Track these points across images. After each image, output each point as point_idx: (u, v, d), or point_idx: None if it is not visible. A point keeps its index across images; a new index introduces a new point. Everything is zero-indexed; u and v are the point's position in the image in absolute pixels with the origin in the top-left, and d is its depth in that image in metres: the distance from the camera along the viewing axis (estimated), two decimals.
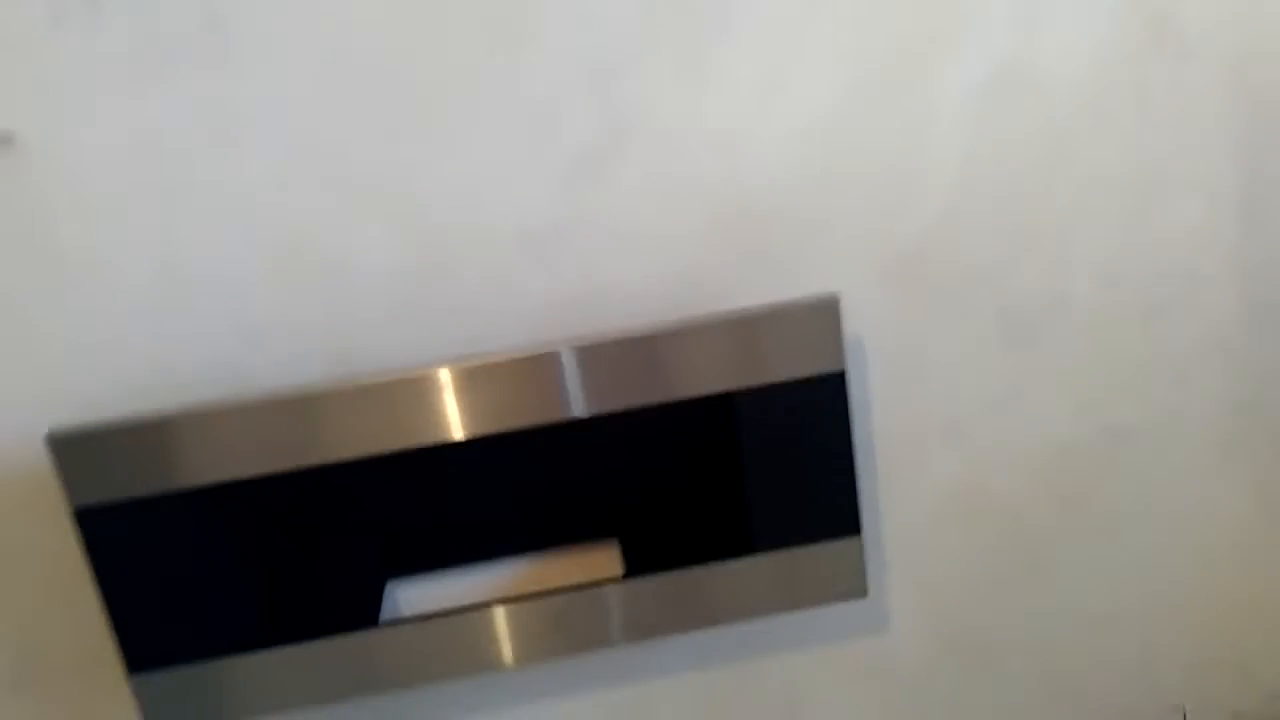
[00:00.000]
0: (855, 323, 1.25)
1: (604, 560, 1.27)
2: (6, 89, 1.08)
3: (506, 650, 1.22)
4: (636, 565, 1.22)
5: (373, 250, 1.17)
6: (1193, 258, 1.31)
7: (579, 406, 1.16)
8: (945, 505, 1.37)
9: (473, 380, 1.13)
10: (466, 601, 1.22)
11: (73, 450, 1.06)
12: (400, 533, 1.25)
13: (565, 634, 1.21)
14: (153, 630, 1.14)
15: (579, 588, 1.20)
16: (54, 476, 1.17)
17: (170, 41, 1.09)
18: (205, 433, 1.09)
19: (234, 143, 1.12)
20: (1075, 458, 1.37)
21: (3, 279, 1.13)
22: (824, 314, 1.13)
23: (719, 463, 1.20)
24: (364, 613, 1.21)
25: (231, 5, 1.09)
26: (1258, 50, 1.26)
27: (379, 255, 1.17)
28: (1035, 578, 1.42)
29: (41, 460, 1.17)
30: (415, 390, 1.14)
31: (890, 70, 1.20)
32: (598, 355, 1.15)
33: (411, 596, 1.24)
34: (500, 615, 1.21)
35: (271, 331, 1.18)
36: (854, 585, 1.23)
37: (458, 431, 1.15)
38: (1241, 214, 1.31)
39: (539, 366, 1.15)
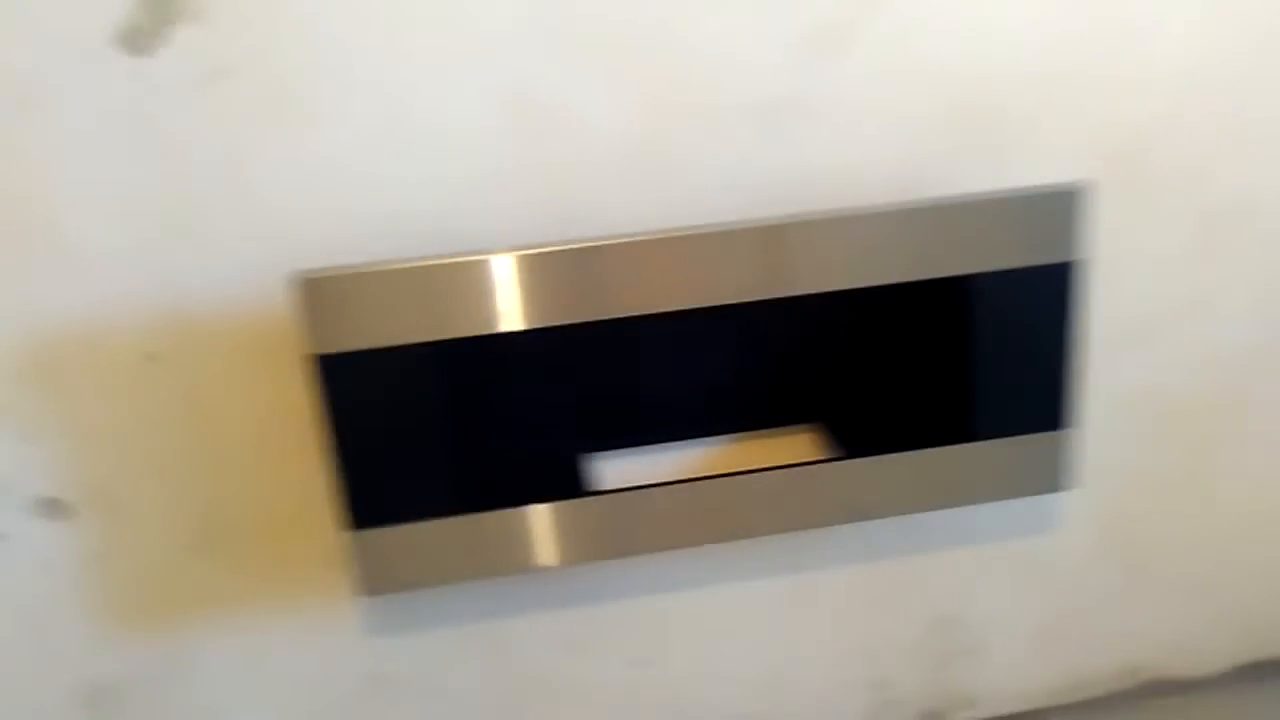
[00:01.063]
0: None
1: (808, 444, 1.27)
2: None
3: (718, 525, 1.22)
4: (850, 447, 1.22)
5: (601, 109, 1.15)
6: None
7: (797, 283, 1.14)
8: (1124, 406, 1.38)
9: (692, 249, 1.11)
10: (671, 478, 1.22)
11: (319, 295, 1.04)
12: (602, 406, 1.25)
13: (778, 512, 1.21)
14: (374, 487, 1.13)
15: (793, 465, 1.20)
16: (266, 328, 1.15)
17: None
18: (447, 285, 1.07)
19: None
20: (1256, 364, 1.39)
21: (228, 127, 1.09)
22: (1067, 202, 1.12)
23: (940, 348, 1.20)
24: (567, 484, 1.20)
25: None
26: None
27: (607, 114, 1.15)
28: (1204, 483, 1.44)
29: (253, 312, 1.15)
30: (632, 255, 1.12)
31: None
32: (823, 231, 1.13)
33: (612, 472, 1.23)
34: (711, 490, 1.20)
35: (494, 186, 1.15)
36: (1061, 478, 1.24)
37: (673, 302, 1.14)
38: None
39: (762, 239, 1.13)
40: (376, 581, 1.16)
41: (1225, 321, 1.36)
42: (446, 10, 1.09)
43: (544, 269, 1.09)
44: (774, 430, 1.28)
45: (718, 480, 1.20)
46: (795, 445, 1.27)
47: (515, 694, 1.39)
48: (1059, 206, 1.12)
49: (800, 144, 1.19)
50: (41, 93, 1.06)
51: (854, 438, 1.23)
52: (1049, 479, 1.24)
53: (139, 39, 1.05)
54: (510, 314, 1.09)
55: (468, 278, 1.06)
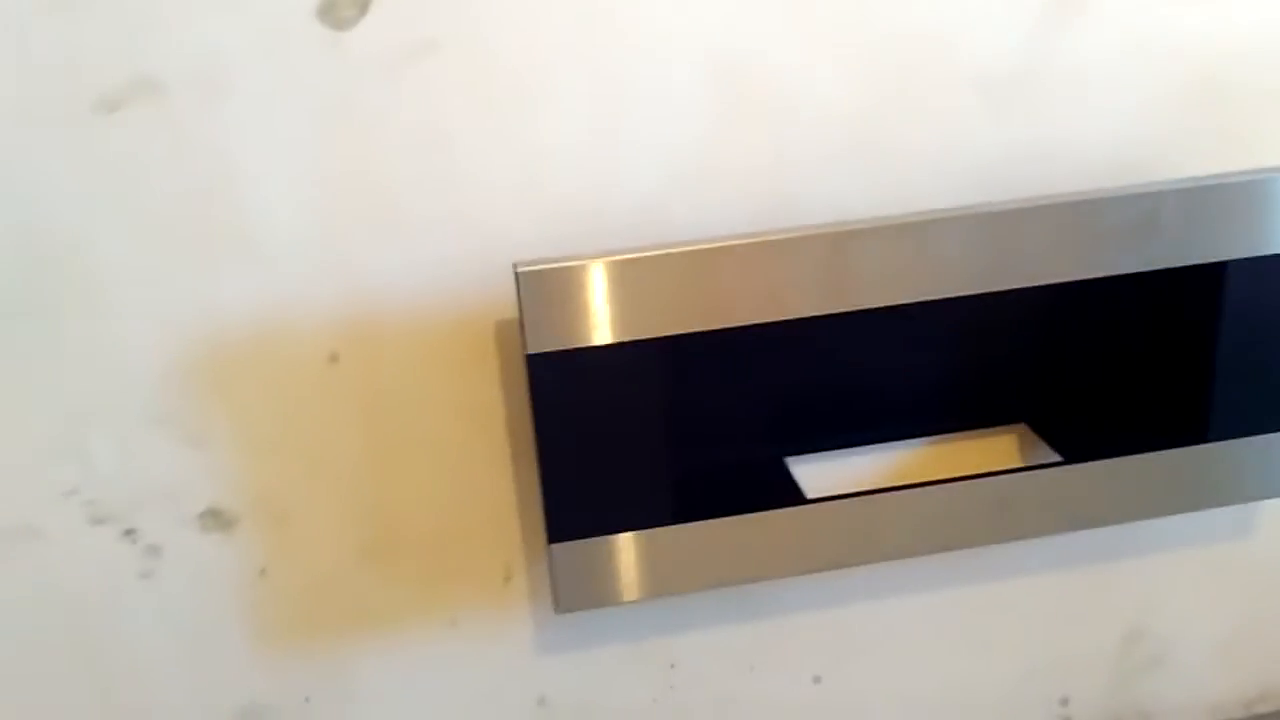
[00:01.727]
0: None
1: (1016, 445, 1.19)
2: None
3: (934, 535, 1.14)
4: (1066, 450, 1.14)
5: (819, 87, 1.07)
6: None
7: (1024, 275, 1.06)
8: None
9: (912, 238, 1.03)
10: (875, 483, 1.14)
11: (538, 288, 0.96)
12: (800, 406, 1.17)
13: (1000, 518, 1.13)
14: (579, 496, 1.04)
15: (1012, 471, 1.12)
16: (458, 325, 1.07)
17: None
18: (670, 277, 0.99)
19: None
20: None
21: (431, 107, 1.01)
22: None
23: (1175, 341, 1.12)
24: (776, 492, 1.12)
25: None
26: None
27: (826, 93, 1.07)
28: None
29: (445, 308, 1.07)
30: (854, 244, 1.04)
31: None
32: (1049, 217, 1.05)
33: (814, 476, 1.16)
34: (924, 497, 1.12)
35: (708, 170, 1.07)
36: None
37: (894, 296, 1.05)
38: None
39: (986, 226, 1.05)
40: (574, 597, 1.08)
41: None
42: None
43: (771, 258, 1.00)
44: (980, 431, 1.20)
45: (933, 486, 1.11)
46: (1002, 447, 1.20)
47: (686, 714, 1.31)
48: None
49: (1031, 122, 1.11)
50: (232, 70, 0.97)
51: (1069, 439, 1.15)
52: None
53: (342, 10, 0.97)
54: (734, 308, 1.01)
55: (694, 268, 0.98)
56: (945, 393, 1.20)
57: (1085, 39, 1.09)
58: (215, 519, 1.12)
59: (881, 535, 1.12)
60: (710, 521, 1.08)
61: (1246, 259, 1.07)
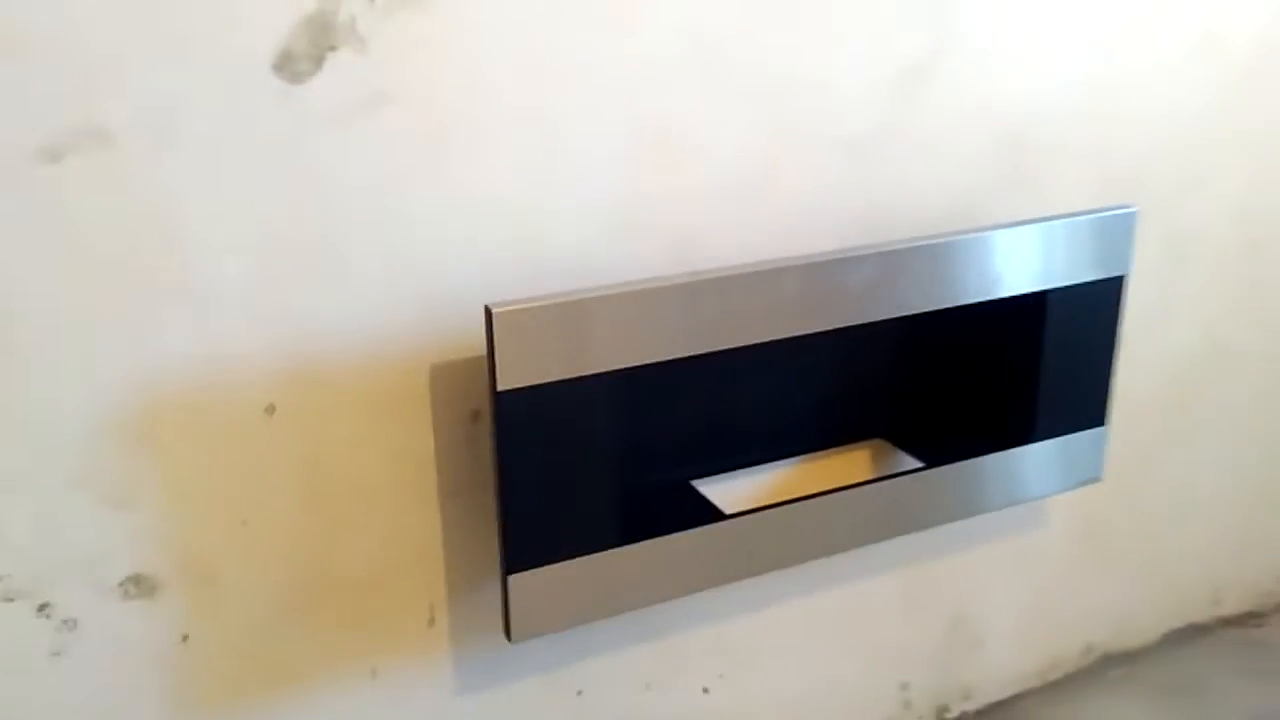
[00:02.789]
0: None
1: (880, 456, 1.35)
2: None
3: (827, 538, 1.27)
4: (923, 458, 1.31)
5: (727, 140, 1.19)
6: None
7: (877, 309, 1.23)
8: None
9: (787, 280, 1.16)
10: (770, 498, 1.26)
11: (508, 328, 1.01)
12: (700, 433, 1.27)
13: (877, 522, 1.28)
14: (536, 526, 1.10)
15: (889, 477, 1.28)
16: (394, 372, 1.10)
17: None
18: (619, 315, 1.07)
19: (620, 26, 1.11)
20: (1194, 368, 1.62)
21: (379, 157, 1.04)
22: (1125, 222, 1.28)
23: (1003, 360, 1.32)
24: (693, 510, 1.22)
25: None
26: None
27: (730, 145, 1.19)
28: (1150, 475, 1.65)
29: (383, 356, 1.09)
30: (744, 287, 1.16)
31: (1124, 39, 1.38)
32: (906, 259, 1.23)
33: (718, 495, 1.26)
34: (824, 506, 1.25)
35: (627, 215, 1.17)
36: (1095, 470, 1.39)
37: (778, 331, 1.18)
38: None
39: (841, 270, 1.20)
40: (528, 625, 1.12)
41: (1180, 330, 1.57)
42: (606, 43, 1.10)
43: (716, 294, 1.10)
44: (846, 446, 1.35)
45: (822, 498, 1.25)
46: (867, 459, 1.35)
47: None
48: (1118, 227, 1.28)
49: (886, 172, 1.28)
50: (183, 120, 0.97)
51: (923, 449, 1.33)
52: (1092, 470, 1.39)
53: (297, 64, 0.99)
54: (674, 342, 1.10)
55: (643, 306, 1.07)
56: (817, 415, 1.34)
57: (929, 103, 1.28)
58: (138, 585, 1.07)
59: (788, 543, 1.24)
60: (649, 541, 1.15)
61: (1060, 288, 1.28)
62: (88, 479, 1.02)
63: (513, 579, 1.09)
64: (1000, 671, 1.66)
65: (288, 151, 1.01)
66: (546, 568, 1.11)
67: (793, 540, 1.24)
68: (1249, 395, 1.69)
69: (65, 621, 1.05)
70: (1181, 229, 1.52)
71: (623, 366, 1.07)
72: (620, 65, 1.12)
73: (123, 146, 0.95)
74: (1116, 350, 1.34)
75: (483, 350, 1.13)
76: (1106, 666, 1.75)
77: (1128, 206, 1.29)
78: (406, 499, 1.16)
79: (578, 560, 1.12)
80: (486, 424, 1.17)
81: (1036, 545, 1.60)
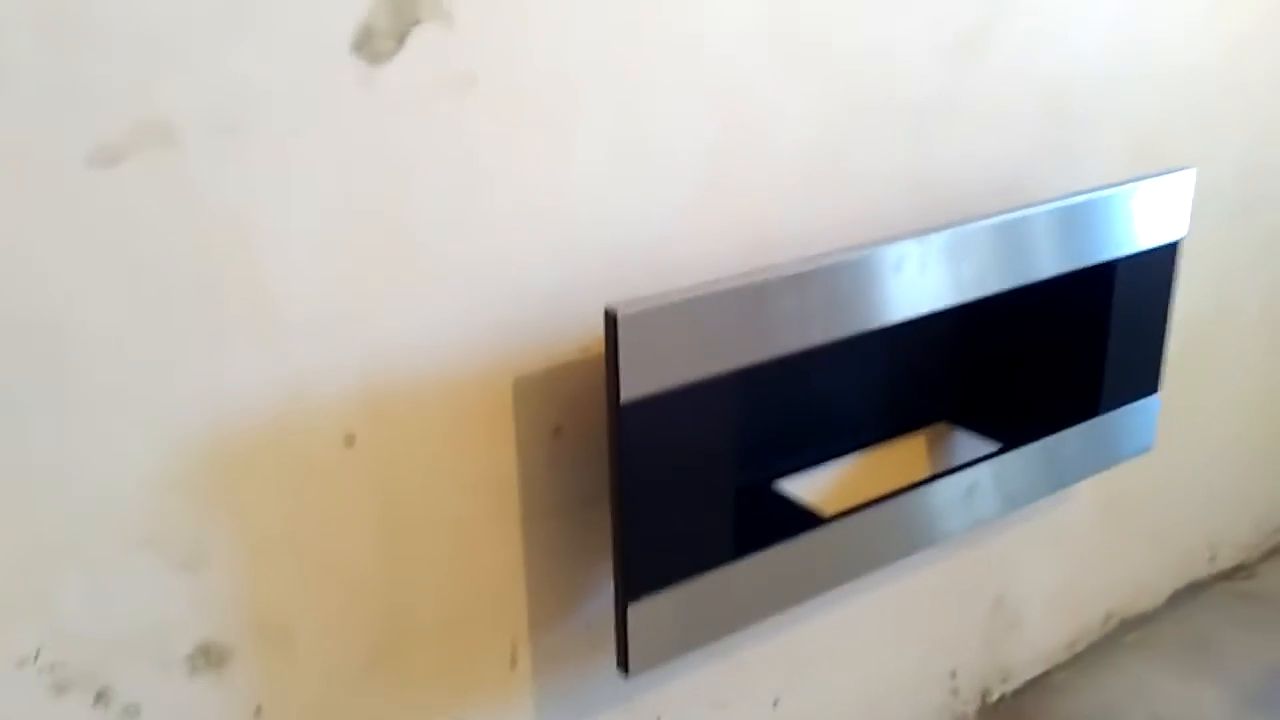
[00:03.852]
0: None
1: (947, 440, 1.30)
2: None
3: (923, 531, 1.21)
4: (1003, 439, 1.27)
5: (797, 115, 1.11)
6: None
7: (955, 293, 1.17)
8: None
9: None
10: (853, 491, 1.19)
11: (635, 332, 0.91)
12: (780, 431, 1.20)
13: (962, 511, 1.22)
14: (650, 548, 1.00)
15: (971, 464, 1.23)
16: (476, 390, 0.98)
17: None
18: (737, 311, 0.98)
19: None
20: (1202, 332, 1.63)
21: (463, 145, 0.93)
22: (1180, 185, 1.26)
23: (1068, 336, 1.29)
24: (790, 516, 1.14)
25: None
26: None
27: (801, 121, 1.12)
28: (1161, 440, 1.65)
29: (463, 370, 0.98)
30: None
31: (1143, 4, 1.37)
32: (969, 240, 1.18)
33: (804, 493, 1.19)
34: (915, 499, 1.19)
35: (705, 208, 1.08)
36: (1149, 439, 1.38)
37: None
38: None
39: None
40: (647, 656, 1.02)
41: (1192, 293, 1.57)
42: (682, 16, 1.01)
43: (821, 284, 1.02)
44: (911, 433, 1.29)
45: (913, 490, 1.19)
46: (934, 443, 1.30)
47: None
48: (1178, 189, 1.25)
49: (946, 142, 1.23)
50: (255, 110, 0.83)
51: (992, 430, 1.28)
52: (1146, 438, 1.37)
53: (379, 42, 0.86)
54: (784, 337, 1.02)
55: (770, 297, 0.98)
56: (882, 403, 1.28)
57: (981, 74, 1.23)
58: (206, 656, 0.92)
59: (887, 540, 1.17)
60: (763, 553, 1.07)
61: (1126, 257, 1.25)
62: (153, 539, 0.87)
63: (633, 608, 0.99)
64: (1034, 650, 1.64)
65: (367, 143, 0.88)
66: (663, 592, 1.01)
67: (892, 536, 1.18)
68: (1250, 357, 1.71)
69: (126, 708, 0.90)
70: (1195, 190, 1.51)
71: (736, 367, 0.98)
72: (699, 45, 1.02)
73: (188, 145, 0.81)
74: (1170, 315, 1.32)
75: (567, 358, 1.03)
76: (1123, 632, 1.75)
77: (1186, 167, 1.27)
78: (486, 529, 1.04)
79: (692, 581, 1.03)
80: (569, 440, 1.06)
81: (1066, 521, 1.58)
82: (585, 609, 1.13)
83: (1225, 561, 1.88)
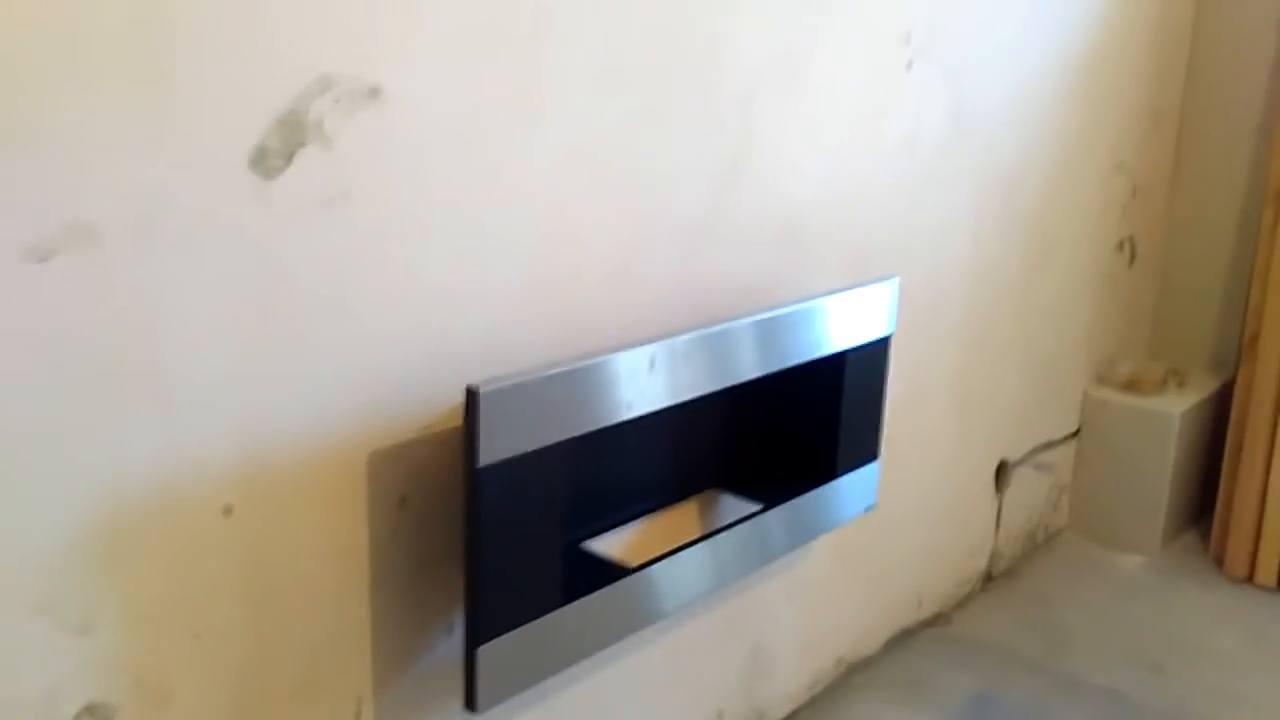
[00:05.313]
0: None
1: (721, 504, 1.53)
2: (379, 47, 1.07)
3: (712, 575, 1.42)
4: (766, 501, 1.51)
5: (598, 228, 1.33)
6: None
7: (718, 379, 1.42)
8: None
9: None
10: (646, 549, 1.40)
11: (491, 405, 1.08)
12: (591, 498, 1.39)
13: (731, 562, 1.45)
14: (496, 597, 1.15)
15: (743, 520, 1.46)
16: (340, 465, 1.12)
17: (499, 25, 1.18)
18: (583, 386, 1.17)
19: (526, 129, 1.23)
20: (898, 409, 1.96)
21: (338, 247, 1.08)
22: (884, 292, 1.57)
23: (809, 413, 1.56)
24: (600, 569, 1.33)
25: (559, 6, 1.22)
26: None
27: (601, 233, 1.34)
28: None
29: (332, 447, 1.11)
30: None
31: (860, 128, 1.70)
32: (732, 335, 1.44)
33: (607, 550, 1.38)
34: (697, 552, 1.40)
35: (536, 299, 1.27)
36: (872, 497, 1.66)
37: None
38: None
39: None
40: (491, 693, 1.16)
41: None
42: (512, 144, 1.20)
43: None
44: (687, 500, 1.52)
45: (700, 542, 1.40)
46: (708, 506, 1.53)
47: None
48: (886, 294, 1.56)
49: (711, 254, 1.48)
50: (166, 214, 0.95)
51: (757, 494, 1.52)
52: (870, 497, 1.65)
53: (271, 160, 1.01)
54: (632, 404, 1.22)
55: (597, 378, 1.18)
56: (664, 475, 1.49)
57: (740, 198, 1.50)
58: (92, 716, 0.99)
59: (683, 586, 1.38)
60: (588, 598, 1.25)
61: (849, 349, 1.54)
62: (48, 604, 0.94)
63: (481, 650, 1.13)
64: (783, 692, 1.87)
65: (257, 245, 1.01)
66: (506, 636, 1.16)
67: (686, 582, 1.38)
68: (943, 431, 2.07)
69: None
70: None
71: (572, 435, 1.17)
72: (525, 169, 1.22)
73: (108, 244, 0.92)
74: (885, 395, 1.63)
75: (411, 435, 1.18)
76: (851, 674, 2.03)
77: (891, 277, 1.58)
78: (338, 592, 1.16)
79: (530, 625, 1.19)
80: (412, 508, 1.20)
81: (807, 574, 1.84)
82: (423, 662, 1.25)
83: (929, 609, 2.21)
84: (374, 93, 1.07)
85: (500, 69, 1.18)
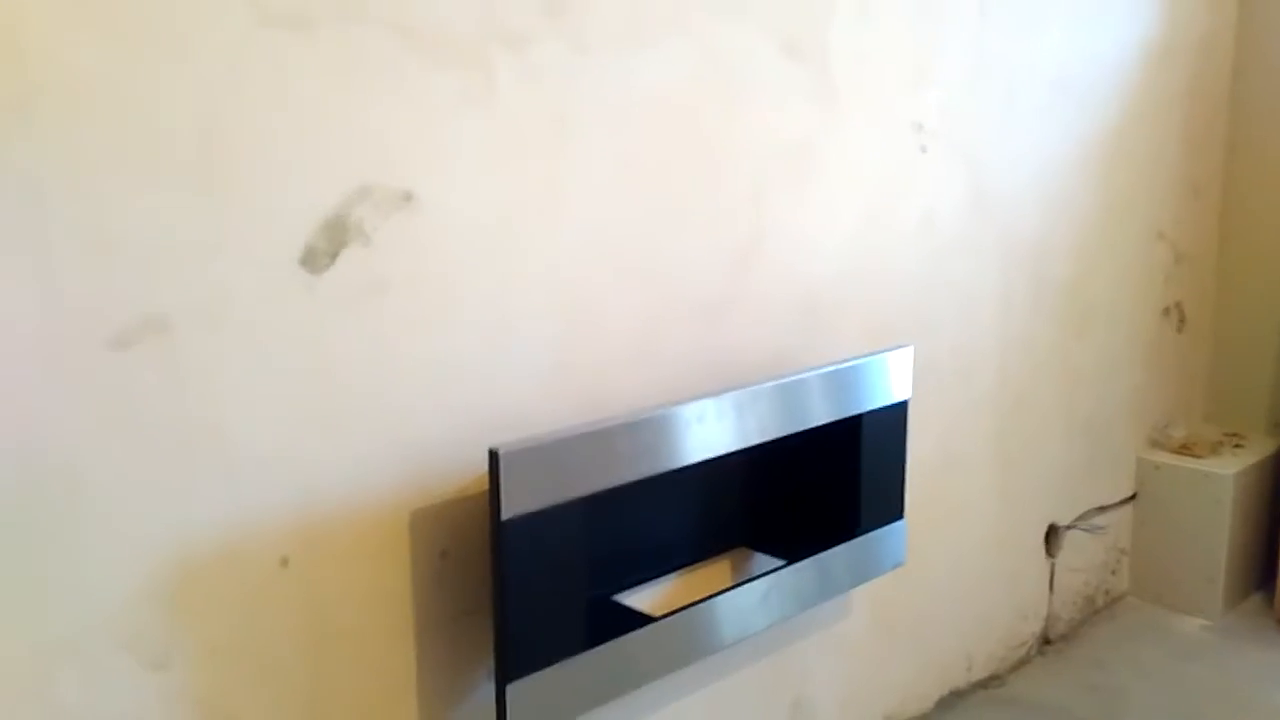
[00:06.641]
0: None
1: (745, 561, 1.64)
2: (411, 158, 1.24)
3: (734, 627, 1.53)
4: (790, 557, 1.61)
5: (619, 311, 1.48)
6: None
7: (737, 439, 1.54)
8: None
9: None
10: (674, 603, 1.51)
11: (511, 464, 1.22)
12: (618, 554, 1.51)
13: (753, 614, 1.55)
14: (524, 638, 1.28)
15: (766, 574, 1.56)
16: (382, 522, 1.27)
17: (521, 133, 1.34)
18: (600, 446, 1.31)
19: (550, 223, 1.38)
20: (934, 474, 2.04)
21: (377, 334, 1.24)
22: (901, 358, 1.68)
23: (830, 474, 1.67)
24: (627, 616, 1.45)
25: (577, 109, 1.38)
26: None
27: (622, 315, 1.48)
28: (916, 561, 2.04)
29: (374, 507, 1.26)
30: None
31: (876, 209, 1.82)
32: (753, 398, 1.56)
33: (633, 601, 1.49)
34: (722, 603, 1.51)
35: (559, 372, 1.41)
36: (900, 555, 1.75)
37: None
38: None
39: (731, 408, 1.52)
40: None
41: (923, 442, 1.99)
42: (535, 239, 1.36)
43: (654, 429, 1.36)
44: (714, 557, 1.63)
45: (729, 591, 1.51)
46: (735, 563, 1.63)
47: None
48: (901, 361, 1.67)
49: (730, 331, 1.61)
50: (231, 304, 1.12)
51: (783, 551, 1.63)
52: (898, 555, 1.74)
53: (319, 258, 1.18)
54: (633, 468, 1.35)
55: (612, 439, 1.31)
56: (691, 531, 1.61)
57: (757, 278, 1.63)
58: None
59: (704, 637, 1.48)
60: (615, 641, 1.36)
61: (867, 412, 1.65)
62: (131, 642, 1.10)
63: (510, 687, 1.26)
64: None
65: (308, 331, 1.18)
66: (535, 675, 1.28)
67: (707, 632, 1.49)
68: (982, 495, 2.14)
69: None
70: (917, 364, 1.95)
71: (589, 493, 1.30)
72: (552, 261, 1.38)
73: (179, 333, 1.09)
74: (906, 456, 1.72)
75: (450, 495, 1.33)
76: None
77: (904, 345, 1.69)
78: (387, 637, 1.30)
79: (557, 666, 1.31)
80: (452, 561, 1.34)
81: (847, 632, 1.92)
82: (467, 703, 1.38)
83: (981, 671, 2.26)
84: (407, 197, 1.24)
85: (523, 172, 1.34)
